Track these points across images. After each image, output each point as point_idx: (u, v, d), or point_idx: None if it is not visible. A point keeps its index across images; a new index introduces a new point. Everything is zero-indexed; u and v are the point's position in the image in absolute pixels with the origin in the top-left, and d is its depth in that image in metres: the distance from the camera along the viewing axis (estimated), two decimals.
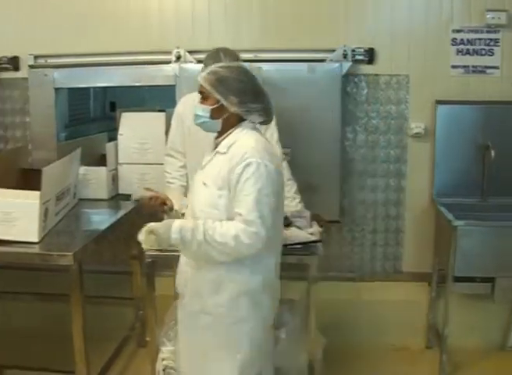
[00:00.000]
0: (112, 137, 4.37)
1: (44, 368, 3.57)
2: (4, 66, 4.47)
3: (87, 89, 5.76)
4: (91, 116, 5.86)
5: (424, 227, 4.37)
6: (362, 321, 4.37)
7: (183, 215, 2.75)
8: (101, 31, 4.34)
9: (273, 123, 3.23)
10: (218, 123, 2.53)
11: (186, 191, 3.46)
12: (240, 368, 2.60)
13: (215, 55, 3.36)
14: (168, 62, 4.27)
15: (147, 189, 2.95)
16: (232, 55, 3.38)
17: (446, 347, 3.89)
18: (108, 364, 3.65)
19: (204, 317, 2.59)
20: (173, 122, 3.66)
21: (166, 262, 3.08)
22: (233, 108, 2.49)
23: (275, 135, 3.54)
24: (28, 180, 3.48)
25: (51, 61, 4.43)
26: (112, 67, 4.40)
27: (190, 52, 4.23)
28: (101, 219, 3.83)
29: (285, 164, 3.51)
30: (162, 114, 4.18)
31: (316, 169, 4.19)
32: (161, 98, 5.27)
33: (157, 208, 2.88)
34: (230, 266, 2.49)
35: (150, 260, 3.15)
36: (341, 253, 4.51)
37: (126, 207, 3.93)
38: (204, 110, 2.53)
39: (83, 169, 4.02)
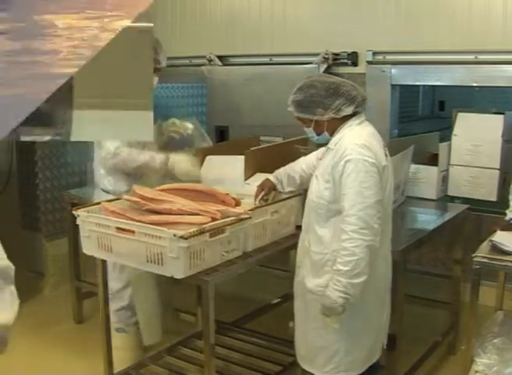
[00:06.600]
0: (442, 137, 4.30)
1: None
2: (343, 60, 4.64)
3: (416, 87, 5.76)
4: (419, 114, 5.89)
5: None
6: None
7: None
8: (438, 29, 4.27)
9: None
10: (325, 135, 2.71)
11: None
12: None
13: None
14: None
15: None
16: None
17: None
18: (416, 365, 3.60)
19: (309, 294, 2.76)
20: None
21: (493, 271, 2.94)
22: (325, 117, 2.64)
23: None
24: None
25: (389, 58, 4.49)
26: (446, 66, 4.31)
27: None
28: (428, 219, 3.84)
29: None
30: (500, 116, 3.99)
31: None
32: (493, 99, 5.07)
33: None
34: (334, 252, 2.58)
35: (478, 267, 3.01)
36: None
37: (454, 210, 3.86)
38: (310, 132, 2.74)
39: (414, 168, 4.02)
